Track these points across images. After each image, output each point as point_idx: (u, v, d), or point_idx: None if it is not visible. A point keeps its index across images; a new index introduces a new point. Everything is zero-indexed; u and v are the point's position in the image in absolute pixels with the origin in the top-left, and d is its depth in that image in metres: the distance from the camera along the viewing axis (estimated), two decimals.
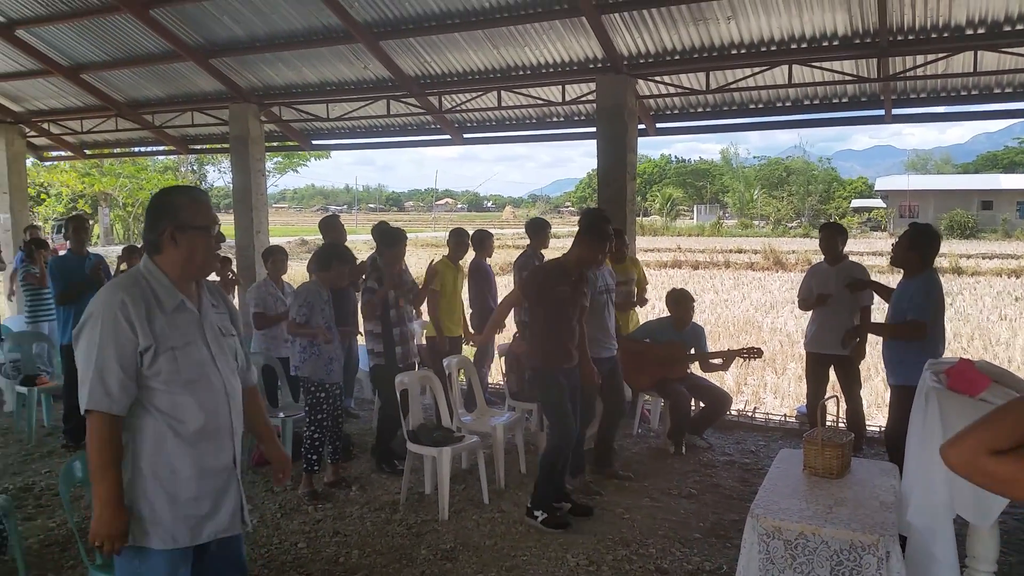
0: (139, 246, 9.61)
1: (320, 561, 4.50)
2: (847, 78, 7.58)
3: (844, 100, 8.24)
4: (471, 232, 7.51)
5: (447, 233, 7.49)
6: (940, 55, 7.09)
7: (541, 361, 4.92)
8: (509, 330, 7.26)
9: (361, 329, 6.42)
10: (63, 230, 8.07)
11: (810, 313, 6.39)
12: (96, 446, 2.41)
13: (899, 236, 5.03)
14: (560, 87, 8.60)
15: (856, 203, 59.39)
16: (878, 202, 57.44)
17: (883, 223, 51.35)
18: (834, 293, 6.07)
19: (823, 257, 6.40)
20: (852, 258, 6.50)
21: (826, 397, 4.87)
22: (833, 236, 6.28)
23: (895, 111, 8.15)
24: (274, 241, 9.70)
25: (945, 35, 6.80)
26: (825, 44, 7.16)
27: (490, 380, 8.14)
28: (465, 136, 10.27)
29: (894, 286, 5.32)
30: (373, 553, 4.59)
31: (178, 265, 2.54)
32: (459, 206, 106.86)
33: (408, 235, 6.45)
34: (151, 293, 2.49)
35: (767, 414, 7.60)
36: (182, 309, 2.54)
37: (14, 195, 12.45)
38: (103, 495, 2.40)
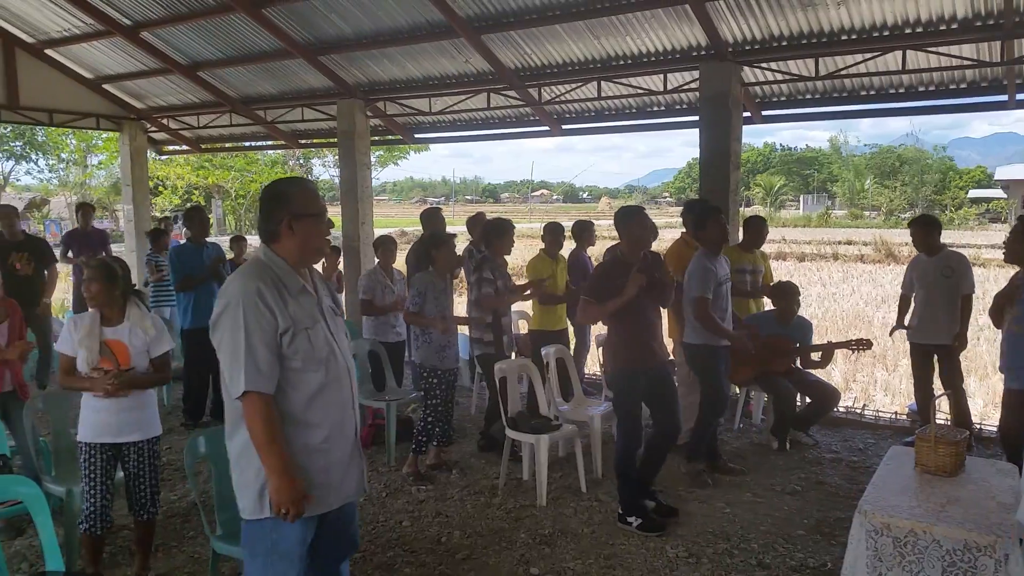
0: (246, 236, 10.06)
1: (423, 540, 4.65)
2: (966, 63, 7.21)
3: (962, 86, 7.83)
4: (572, 223, 7.46)
5: (542, 226, 7.38)
6: None
7: (622, 362, 4.79)
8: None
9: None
10: (181, 221, 8.53)
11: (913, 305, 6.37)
12: (260, 424, 2.55)
13: (1010, 229, 4.82)
14: (662, 76, 8.48)
15: (973, 193, 56.18)
16: (998, 192, 54.11)
17: (1003, 214, 48.49)
18: (933, 283, 6.09)
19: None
20: (968, 252, 6.29)
21: (940, 394, 4.71)
22: (926, 232, 6.24)
23: (1019, 96, 7.71)
24: (377, 232, 9.94)
25: None
26: (943, 28, 6.82)
27: (587, 371, 8.16)
28: (564, 127, 10.25)
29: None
30: (474, 535, 4.71)
31: (295, 251, 2.69)
32: (554, 197, 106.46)
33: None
34: (277, 279, 2.64)
35: (877, 411, 7.35)
36: (304, 292, 2.70)
37: (136, 188, 13.18)
38: (275, 467, 2.55)
